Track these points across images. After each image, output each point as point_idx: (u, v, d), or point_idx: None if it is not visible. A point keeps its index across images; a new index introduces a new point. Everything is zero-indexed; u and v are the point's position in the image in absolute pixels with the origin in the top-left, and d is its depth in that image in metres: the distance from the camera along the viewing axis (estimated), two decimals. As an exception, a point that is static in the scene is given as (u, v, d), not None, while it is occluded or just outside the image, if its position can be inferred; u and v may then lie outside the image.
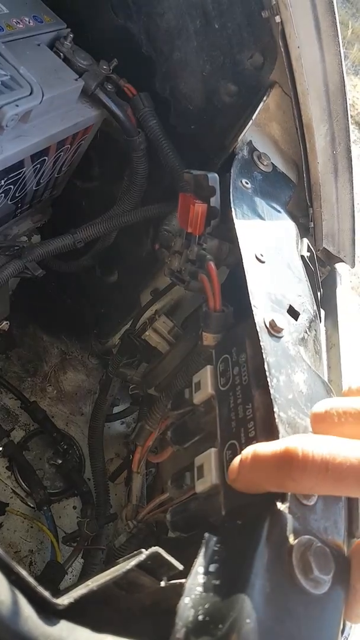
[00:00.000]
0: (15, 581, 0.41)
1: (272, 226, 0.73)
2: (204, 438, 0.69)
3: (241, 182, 0.74)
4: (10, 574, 0.41)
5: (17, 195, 0.94)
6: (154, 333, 0.93)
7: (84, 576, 1.10)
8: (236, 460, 0.45)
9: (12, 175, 0.85)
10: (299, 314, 0.67)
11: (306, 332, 0.68)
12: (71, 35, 0.90)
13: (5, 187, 0.86)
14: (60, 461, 1.27)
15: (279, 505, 0.50)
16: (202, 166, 0.81)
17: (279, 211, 0.77)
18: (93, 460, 1.23)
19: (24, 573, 0.41)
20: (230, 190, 0.71)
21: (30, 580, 0.41)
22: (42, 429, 1.30)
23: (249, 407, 0.58)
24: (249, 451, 0.44)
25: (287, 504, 0.50)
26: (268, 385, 0.56)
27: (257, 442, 0.55)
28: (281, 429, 0.53)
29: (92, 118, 0.94)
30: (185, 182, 0.75)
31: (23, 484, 1.20)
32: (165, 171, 1.00)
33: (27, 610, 0.40)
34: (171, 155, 0.93)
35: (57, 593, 1.01)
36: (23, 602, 0.40)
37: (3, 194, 0.87)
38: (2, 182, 0.83)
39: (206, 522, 0.61)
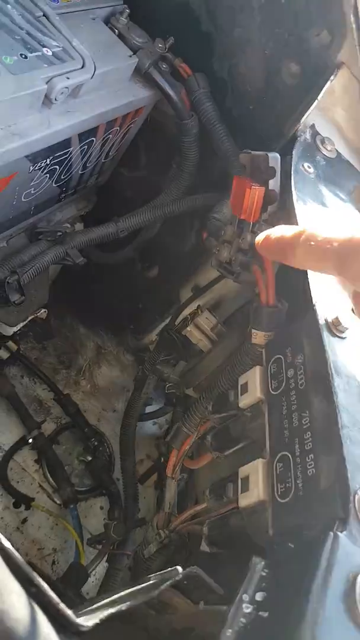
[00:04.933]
0: (36, 595, 0.35)
1: (337, 215, 0.66)
2: (249, 446, 0.62)
3: (303, 166, 0.67)
4: (31, 586, 0.35)
5: (62, 177, 0.90)
6: (195, 329, 0.87)
7: (106, 580, 1.05)
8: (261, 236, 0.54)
9: (58, 154, 0.81)
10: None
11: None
12: (127, 11, 0.86)
13: (51, 167, 0.82)
14: (89, 458, 1.23)
15: (339, 529, 0.43)
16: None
17: (343, 200, 0.69)
18: (123, 460, 1.18)
19: (45, 586, 0.35)
20: (292, 173, 0.64)
21: (53, 595, 0.35)
22: (73, 423, 1.25)
23: (306, 415, 0.51)
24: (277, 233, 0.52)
25: (349, 528, 0.44)
26: (330, 392, 0.50)
27: (314, 455, 0.49)
28: (345, 443, 0.46)
29: (144, 99, 0.89)
30: (240, 165, 0.69)
31: (50, 479, 1.16)
32: (215, 160, 0.94)
33: (47, 629, 0.35)
34: (225, 140, 0.87)
35: (78, 597, 0.95)
36: (42, 619, 0.35)
37: (48, 175, 0.83)
38: (48, 160, 0.79)
39: (248, 540, 0.55)
